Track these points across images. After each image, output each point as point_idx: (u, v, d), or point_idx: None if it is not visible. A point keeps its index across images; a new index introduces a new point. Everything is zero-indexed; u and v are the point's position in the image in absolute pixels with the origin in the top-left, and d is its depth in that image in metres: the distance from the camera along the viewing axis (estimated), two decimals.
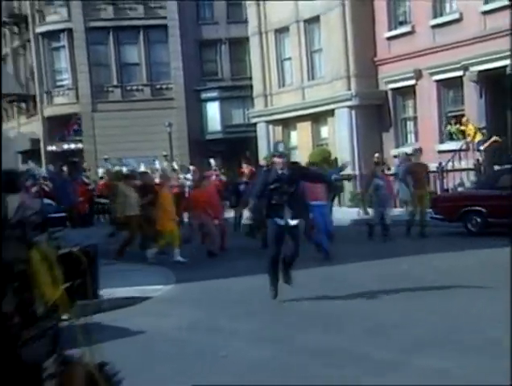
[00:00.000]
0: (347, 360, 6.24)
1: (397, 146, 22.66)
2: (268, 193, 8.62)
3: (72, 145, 33.67)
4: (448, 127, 21.47)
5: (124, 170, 22.10)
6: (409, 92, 22.68)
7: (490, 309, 7.70)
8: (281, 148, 8.53)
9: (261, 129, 27.75)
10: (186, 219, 16.60)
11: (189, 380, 5.97)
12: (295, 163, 10.80)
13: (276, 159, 8.96)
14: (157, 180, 16.22)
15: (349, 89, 23.43)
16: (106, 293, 9.32)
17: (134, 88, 34.38)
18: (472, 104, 20.38)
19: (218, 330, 7.71)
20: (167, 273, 11.66)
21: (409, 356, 6.22)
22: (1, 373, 2.03)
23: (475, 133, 19.71)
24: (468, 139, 19.91)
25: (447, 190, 19.20)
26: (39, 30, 34.19)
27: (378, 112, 23.40)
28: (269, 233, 9.04)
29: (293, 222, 8.64)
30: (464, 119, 20.33)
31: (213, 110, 35.24)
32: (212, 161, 23.95)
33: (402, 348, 6.48)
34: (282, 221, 8.57)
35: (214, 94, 34.97)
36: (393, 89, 23.06)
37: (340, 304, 8.66)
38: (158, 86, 34.61)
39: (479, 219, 14.29)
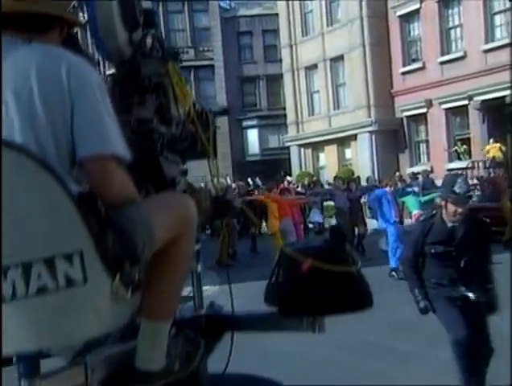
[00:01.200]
0: (373, 352, 6.22)
1: (411, 166, 22.48)
2: (429, 256, 4.49)
3: None
4: (455, 148, 21.25)
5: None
6: (421, 118, 22.54)
7: None
8: (460, 187, 4.19)
9: (293, 152, 27.83)
10: None
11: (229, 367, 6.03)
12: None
13: (451, 206, 4.49)
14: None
15: (370, 117, 23.38)
16: None
17: None
18: (476, 129, 20.17)
19: None
20: (212, 275, 11.65)
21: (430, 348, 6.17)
22: (143, 176, 1.95)
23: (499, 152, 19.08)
24: (498, 156, 19.21)
25: None
26: (108, 72, 34.93)
27: (395, 137, 23.27)
28: (445, 317, 4.49)
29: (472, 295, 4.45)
30: (491, 140, 19.50)
31: (253, 136, 35.51)
32: (289, 178, 23.30)
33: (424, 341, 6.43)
34: (457, 293, 4.42)
35: (253, 122, 35.23)
36: (407, 116, 22.94)
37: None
38: None
39: None
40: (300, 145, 27.30)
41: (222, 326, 2.44)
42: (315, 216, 15.20)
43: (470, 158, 20.35)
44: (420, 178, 19.33)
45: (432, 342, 6.29)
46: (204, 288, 9.08)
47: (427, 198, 12.76)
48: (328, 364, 5.98)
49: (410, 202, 12.38)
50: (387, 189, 10.68)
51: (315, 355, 6.31)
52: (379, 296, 8.10)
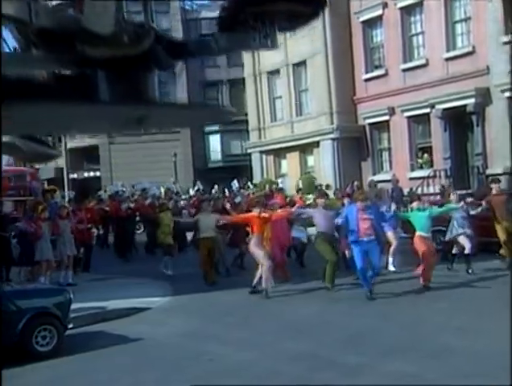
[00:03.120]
0: (323, 365, 6.28)
1: (374, 174, 22.78)
2: None
3: (91, 173, 33.84)
4: (419, 160, 21.61)
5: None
6: (384, 126, 22.88)
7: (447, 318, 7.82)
8: None
9: (255, 159, 27.93)
10: None
11: (180, 381, 6.06)
12: None
13: None
14: None
15: (332, 124, 23.65)
16: (111, 303, 9.43)
17: None
18: (438, 137, 20.57)
19: (208, 337, 7.78)
20: (164, 286, 11.62)
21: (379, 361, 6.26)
22: None
23: None
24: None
25: None
26: None
27: (357, 144, 23.56)
28: None
29: None
30: None
31: (215, 142, 35.66)
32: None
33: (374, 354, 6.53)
34: None
35: (216, 128, 35.34)
36: (370, 124, 23.26)
37: (318, 313, 8.75)
38: None
39: (442, 238, 14.11)
40: (262, 152, 27.44)
41: (177, 52, 2.47)
42: (298, 233, 12.45)
43: (432, 166, 20.76)
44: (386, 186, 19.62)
45: (383, 355, 6.41)
46: (155, 299, 9.07)
47: (440, 210, 11.04)
48: (275, 376, 6.05)
49: (418, 221, 10.20)
50: (358, 205, 9.58)
51: (262, 368, 6.37)
52: (331, 309, 8.27)
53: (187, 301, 10.26)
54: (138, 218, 18.61)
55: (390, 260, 11.48)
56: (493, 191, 12.21)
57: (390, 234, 11.43)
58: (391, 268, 11.42)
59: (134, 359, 7.01)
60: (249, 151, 28.63)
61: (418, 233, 10.13)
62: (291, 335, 7.57)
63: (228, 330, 8.06)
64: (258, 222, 10.14)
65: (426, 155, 21.35)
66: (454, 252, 11.57)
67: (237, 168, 31.28)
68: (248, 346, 7.19)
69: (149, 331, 8.13)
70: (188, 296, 10.64)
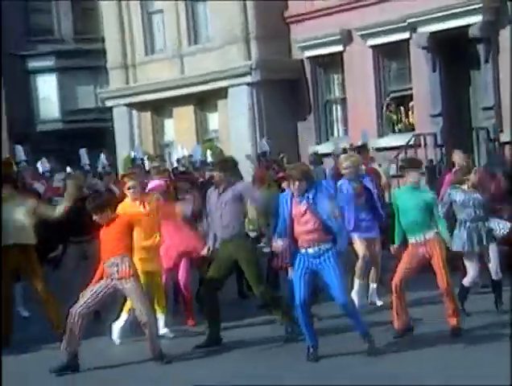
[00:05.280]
0: None
1: (318, 142, 23.20)
2: None
3: None
4: (387, 112, 22.22)
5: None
6: (335, 62, 23.34)
7: None
8: None
9: (119, 117, 27.71)
10: None
11: None
12: None
13: None
14: None
15: (249, 58, 23.78)
16: None
17: None
18: (423, 81, 21.17)
19: None
20: None
21: None
22: None
23: None
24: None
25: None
26: None
27: (292, 92, 23.92)
28: None
29: None
30: None
31: (48, 87, 35.12)
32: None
33: None
34: None
35: (49, 63, 34.80)
36: (311, 58, 23.64)
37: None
38: None
39: None
40: (131, 106, 27.30)
41: None
42: None
43: (413, 129, 21.38)
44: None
45: None
46: None
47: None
48: None
49: (404, 213, 9.29)
50: (291, 188, 8.74)
51: None
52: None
53: None
54: None
55: (372, 286, 11.45)
56: None
57: (357, 241, 11.34)
58: (377, 301, 11.30)
59: None
60: (108, 104, 28.42)
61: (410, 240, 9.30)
62: None
63: None
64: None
65: (401, 107, 22.01)
66: (467, 282, 10.35)
67: (89, 133, 30.97)
68: None
69: None
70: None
